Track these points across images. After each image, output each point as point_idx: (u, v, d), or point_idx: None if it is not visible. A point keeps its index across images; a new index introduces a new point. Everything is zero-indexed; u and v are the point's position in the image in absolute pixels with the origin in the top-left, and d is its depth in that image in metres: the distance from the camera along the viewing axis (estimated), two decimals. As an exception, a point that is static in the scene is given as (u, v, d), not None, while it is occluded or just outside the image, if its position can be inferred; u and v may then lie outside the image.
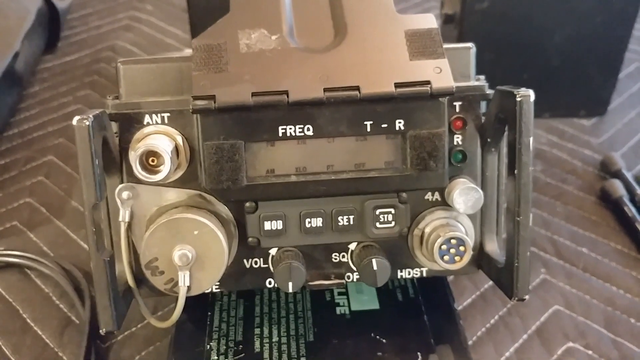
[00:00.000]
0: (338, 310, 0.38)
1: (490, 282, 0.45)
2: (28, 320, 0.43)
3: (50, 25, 0.71)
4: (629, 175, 0.54)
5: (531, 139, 0.30)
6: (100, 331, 0.31)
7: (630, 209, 0.51)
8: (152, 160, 0.31)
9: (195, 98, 0.30)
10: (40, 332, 0.42)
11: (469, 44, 0.34)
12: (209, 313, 0.38)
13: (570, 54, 0.59)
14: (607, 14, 0.57)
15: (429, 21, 0.33)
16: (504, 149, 0.34)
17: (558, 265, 0.47)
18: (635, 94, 0.67)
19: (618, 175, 0.54)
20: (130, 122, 0.32)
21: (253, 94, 0.30)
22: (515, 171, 0.30)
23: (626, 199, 0.51)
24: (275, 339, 0.36)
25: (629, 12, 0.58)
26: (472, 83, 0.34)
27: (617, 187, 0.52)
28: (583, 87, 0.61)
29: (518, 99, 0.30)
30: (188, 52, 0.44)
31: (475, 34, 0.58)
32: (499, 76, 0.59)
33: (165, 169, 0.30)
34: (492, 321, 0.43)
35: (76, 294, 0.44)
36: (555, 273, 0.47)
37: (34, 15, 0.65)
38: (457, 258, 0.32)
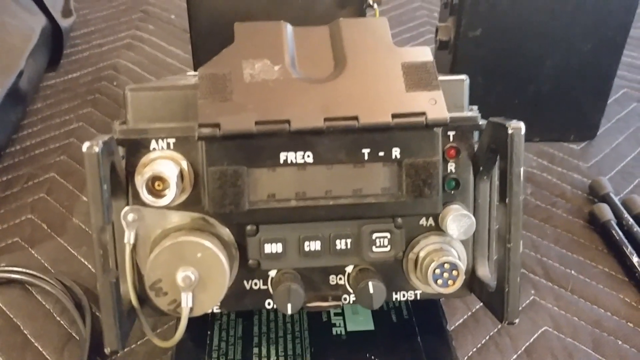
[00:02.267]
0: (334, 330, 0.39)
1: (481, 303, 0.46)
2: (29, 336, 0.44)
3: (53, 44, 0.73)
4: (616, 200, 0.55)
5: (522, 169, 0.31)
6: (105, 350, 0.32)
7: (618, 233, 0.52)
8: (158, 185, 0.32)
9: (201, 125, 0.31)
10: (40, 349, 0.43)
11: (463, 76, 0.35)
12: (209, 332, 0.39)
13: (561, 80, 0.61)
14: (596, 41, 0.59)
15: (425, 54, 0.34)
16: (496, 177, 0.36)
17: (547, 287, 0.49)
18: (623, 119, 0.68)
19: (606, 199, 0.56)
20: (137, 147, 0.33)
21: (256, 123, 0.31)
22: (507, 199, 0.32)
23: (614, 223, 0.53)
24: (273, 358, 0.37)
25: (618, 40, 0.59)
26: (466, 114, 0.35)
27: (605, 211, 0.54)
28: (573, 112, 0.63)
29: (509, 131, 0.31)
30: (191, 74, 0.45)
31: (468, 60, 0.60)
32: (491, 101, 0.62)
33: (170, 194, 0.31)
34: (483, 341, 0.44)
35: (77, 310, 0.45)
36: (545, 295, 0.48)
37: (38, 34, 0.66)
38: (450, 282, 0.34)
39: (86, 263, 0.50)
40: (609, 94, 0.62)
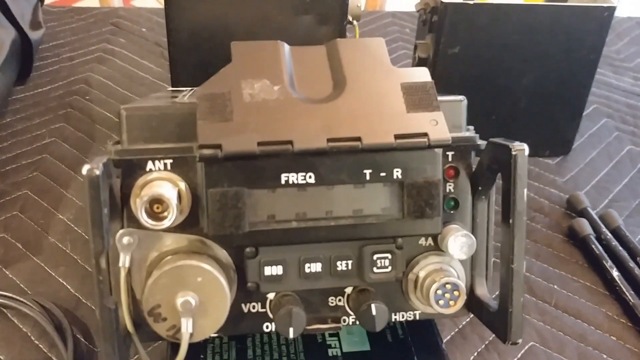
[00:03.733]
0: (330, 352, 0.39)
1: (468, 319, 0.47)
2: (6, 362, 0.42)
3: (22, 57, 0.71)
4: (594, 214, 0.57)
5: (525, 190, 0.32)
6: (104, 378, 0.31)
7: (597, 247, 0.53)
8: (157, 207, 0.31)
9: (202, 147, 0.30)
10: (19, 374, 0.41)
11: (461, 97, 0.36)
12: (202, 356, 0.38)
13: (537, 97, 0.62)
14: (571, 60, 0.60)
15: (424, 75, 0.35)
16: (493, 197, 0.36)
17: (532, 302, 0.49)
18: (595, 134, 0.70)
19: (584, 214, 0.57)
20: (133, 168, 0.32)
21: (259, 143, 0.31)
22: (510, 220, 0.32)
23: (593, 237, 0.54)
24: (269, 381, 0.37)
25: (592, 58, 0.61)
26: (464, 134, 0.35)
27: (584, 226, 0.55)
28: (548, 128, 0.64)
29: (513, 153, 0.31)
30: (182, 91, 0.45)
31: (447, 76, 0.60)
32: (469, 117, 0.62)
33: (171, 216, 0.31)
34: (471, 358, 0.44)
35: (57, 333, 0.43)
36: (530, 310, 0.48)
37: (8, 46, 0.64)
38: (451, 302, 0.34)
39: (65, 283, 0.48)
40: (583, 110, 0.64)
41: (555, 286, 0.51)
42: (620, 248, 0.53)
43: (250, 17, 0.58)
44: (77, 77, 0.74)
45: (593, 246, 0.53)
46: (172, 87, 0.60)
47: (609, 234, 0.54)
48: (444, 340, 0.45)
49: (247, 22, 0.58)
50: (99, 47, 0.81)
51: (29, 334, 0.44)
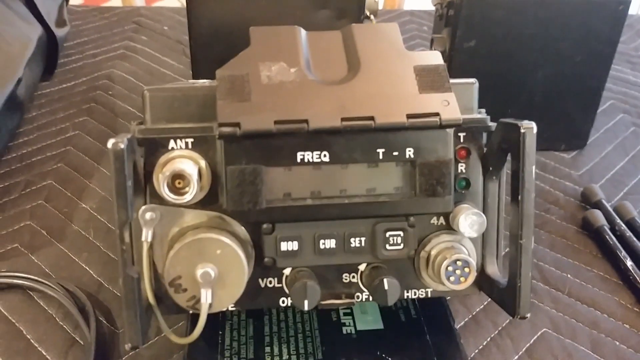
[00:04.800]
0: (344, 329, 0.40)
1: (482, 306, 0.47)
2: (32, 341, 0.44)
3: (48, 53, 0.73)
4: (608, 206, 0.57)
5: (533, 167, 0.33)
6: (126, 346, 0.32)
7: (611, 238, 0.53)
8: (179, 183, 0.32)
9: (221, 125, 0.32)
10: (44, 353, 0.43)
11: (472, 80, 0.37)
12: (220, 332, 0.39)
13: (552, 91, 0.62)
14: (586, 54, 0.61)
15: (436, 58, 0.36)
16: (504, 178, 0.37)
17: (544, 290, 0.50)
18: (611, 129, 0.70)
19: (598, 205, 0.57)
20: (155, 147, 0.34)
21: (275, 122, 0.32)
22: (519, 197, 0.33)
23: (607, 228, 0.54)
24: (285, 356, 0.38)
25: (606, 53, 0.61)
26: (475, 115, 0.36)
27: (598, 217, 0.55)
28: (563, 122, 0.65)
29: (522, 131, 0.32)
30: (203, 82, 0.46)
31: (463, 70, 0.61)
32: (484, 110, 0.63)
33: (192, 191, 0.32)
34: (484, 342, 0.45)
35: (80, 315, 0.45)
36: (542, 298, 0.49)
37: (35, 42, 0.66)
38: (462, 279, 0.34)
39: (87, 269, 0.50)
40: (599, 104, 0.64)
41: (569, 275, 0.51)
42: (635, 239, 0.53)
43: (268, 12, 0.59)
44: (100, 73, 0.76)
45: (607, 236, 0.54)
46: (193, 79, 0.61)
47: (623, 225, 0.55)
48: (458, 326, 0.46)
49: (266, 17, 0.59)
50: (122, 44, 0.83)
51: (54, 315, 0.46)
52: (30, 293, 0.47)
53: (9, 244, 0.52)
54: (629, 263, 0.51)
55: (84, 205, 0.56)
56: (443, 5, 0.61)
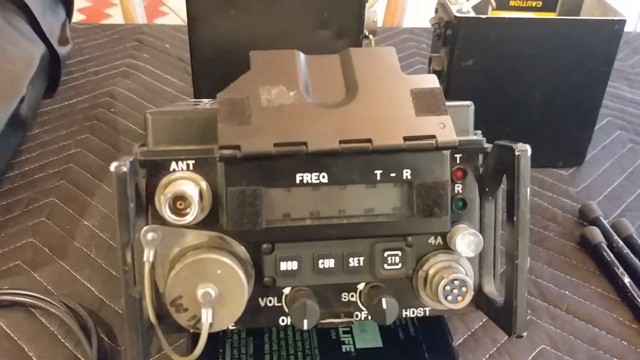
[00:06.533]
0: (344, 348, 0.40)
1: (481, 323, 0.48)
2: (34, 358, 0.44)
3: (50, 71, 0.73)
4: (606, 223, 0.57)
5: (528, 189, 0.33)
6: (128, 365, 0.32)
7: (609, 254, 0.54)
8: (180, 204, 0.33)
9: (222, 147, 0.32)
10: (46, 370, 0.43)
11: (468, 102, 0.37)
12: (221, 350, 0.39)
13: (549, 109, 0.63)
14: (583, 72, 0.61)
15: (432, 81, 0.36)
16: (500, 198, 0.37)
17: (543, 307, 0.50)
18: (608, 146, 0.71)
19: (596, 222, 0.58)
20: (157, 168, 0.34)
21: (275, 144, 0.33)
22: (514, 218, 0.33)
23: (604, 245, 0.55)
24: (285, 374, 0.38)
25: (603, 70, 0.62)
26: (471, 137, 0.37)
27: (596, 234, 0.56)
28: (561, 139, 0.65)
29: (517, 154, 0.33)
30: (203, 102, 0.47)
31: (461, 89, 0.62)
32: (482, 128, 0.63)
33: (193, 212, 0.32)
34: (483, 359, 0.45)
35: (82, 332, 0.45)
36: (541, 314, 0.49)
37: (38, 61, 0.67)
38: (459, 298, 0.35)
39: (89, 286, 0.50)
40: (596, 121, 0.64)
41: (567, 292, 0.52)
42: (632, 256, 0.54)
43: (269, 31, 0.60)
44: (102, 91, 0.77)
45: (604, 253, 0.54)
46: (195, 98, 0.62)
47: (621, 242, 0.55)
48: (457, 343, 0.46)
49: (266, 37, 0.60)
50: (124, 62, 0.83)
51: (56, 333, 0.46)
52: (32, 310, 0.48)
53: (11, 261, 0.52)
54: (627, 280, 0.51)
55: (85, 223, 0.57)
56: (441, 25, 0.62)
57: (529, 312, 0.49)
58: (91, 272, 0.51)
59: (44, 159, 0.65)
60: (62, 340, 0.45)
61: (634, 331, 0.48)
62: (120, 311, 0.48)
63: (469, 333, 0.47)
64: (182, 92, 0.77)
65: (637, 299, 0.50)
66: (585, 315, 0.49)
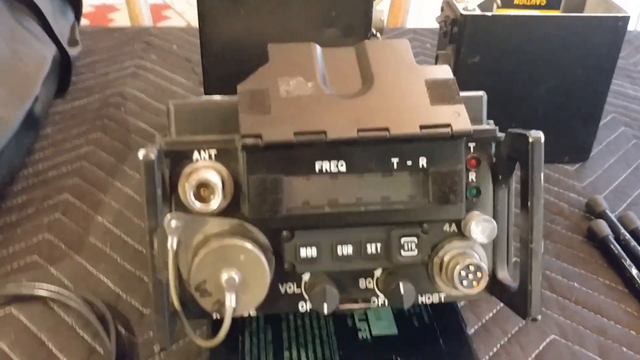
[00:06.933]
0: (360, 335, 0.41)
1: (491, 314, 0.49)
2: (53, 350, 0.45)
3: (61, 71, 0.74)
4: (612, 216, 0.58)
5: (542, 175, 0.34)
6: (155, 347, 0.33)
7: (616, 247, 0.55)
8: (203, 192, 0.34)
9: (244, 136, 0.33)
10: (65, 361, 0.44)
11: (481, 93, 0.38)
12: (240, 337, 0.40)
13: (554, 105, 0.64)
14: (587, 69, 0.62)
15: (446, 72, 0.37)
16: (512, 186, 0.38)
17: (552, 298, 0.51)
18: (613, 142, 0.72)
19: (603, 216, 0.59)
20: (180, 158, 0.35)
21: (295, 133, 0.34)
22: (529, 203, 0.34)
23: (611, 238, 0.56)
24: (303, 360, 0.39)
25: (607, 67, 0.63)
26: (485, 127, 0.38)
27: (603, 227, 0.57)
28: (566, 135, 0.66)
29: (530, 140, 0.34)
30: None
31: (467, 85, 0.62)
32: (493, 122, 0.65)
33: (217, 199, 0.33)
34: (494, 349, 0.46)
35: (100, 323, 0.46)
36: (550, 305, 0.50)
37: (50, 61, 0.68)
38: (474, 283, 0.36)
39: (105, 280, 0.51)
40: (600, 117, 0.65)
41: (575, 284, 0.52)
42: (639, 248, 0.55)
43: (278, 30, 0.61)
44: (112, 91, 0.78)
45: (612, 246, 0.55)
46: (205, 94, 0.63)
47: (628, 235, 0.56)
48: (469, 333, 0.47)
49: (275, 35, 0.61)
50: (132, 63, 0.84)
51: (74, 325, 0.47)
52: (51, 303, 0.48)
53: (28, 256, 0.53)
54: (634, 272, 0.52)
55: (100, 219, 0.57)
56: (447, 23, 0.63)
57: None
58: (107, 267, 0.52)
59: (57, 157, 0.66)
60: (81, 332, 0.46)
61: (642, 321, 0.49)
62: (136, 304, 0.48)
63: (480, 324, 0.48)
64: (190, 91, 0.78)
65: (645, 289, 0.51)
66: (594, 306, 0.50)
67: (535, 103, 0.64)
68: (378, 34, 0.65)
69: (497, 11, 0.66)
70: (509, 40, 0.61)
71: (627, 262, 0.53)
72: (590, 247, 0.57)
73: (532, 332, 0.47)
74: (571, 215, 0.60)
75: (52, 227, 0.56)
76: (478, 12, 0.60)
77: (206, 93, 0.64)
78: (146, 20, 1.08)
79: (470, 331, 0.47)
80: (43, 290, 0.49)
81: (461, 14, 0.60)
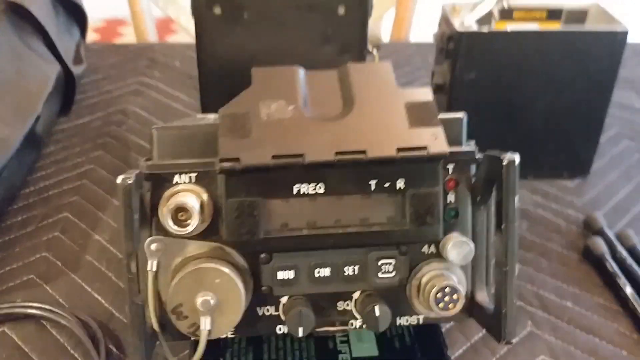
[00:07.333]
0: (340, 357, 0.41)
1: (480, 334, 0.48)
2: (44, 369, 0.45)
3: (65, 90, 0.76)
4: (610, 234, 0.58)
5: (516, 198, 0.34)
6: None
7: (612, 266, 0.54)
8: (182, 215, 0.34)
9: (222, 160, 0.34)
10: (55, 380, 0.44)
11: (461, 114, 0.38)
12: (221, 359, 0.40)
13: (553, 120, 0.63)
14: (587, 83, 0.62)
15: (426, 94, 0.37)
16: (492, 207, 0.38)
17: (544, 318, 0.50)
18: (616, 157, 0.71)
19: (600, 233, 0.58)
20: (161, 181, 0.36)
21: (273, 156, 0.34)
22: (503, 226, 0.34)
23: (608, 256, 0.55)
24: (284, 382, 0.39)
25: (607, 81, 0.62)
26: (464, 148, 0.38)
27: (600, 245, 0.56)
28: (565, 150, 0.66)
29: (504, 163, 0.34)
30: (200, 116, 0.48)
31: (463, 101, 0.63)
32: (485, 140, 0.64)
33: (193, 223, 0.34)
34: (483, 371, 0.46)
35: (91, 343, 0.46)
36: (541, 326, 0.50)
37: (53, 80, 0.69)
38: (450, 305, 0.36)
39: (99, 298, 0.52)
40: (601, 132, 0.64)
41: (569, 303, 0.52)
42: (635, 267, 0.54)
43: (274, 48, 0.61)
44: (114, 109, 0.79)
45: (608, 264, 0.54)
46: (202, 113, 0.64)
47: (625, 252, 0.55)
48: (456, 354, 0.47)
49: (272, 53, 0.62)
50: (136, 80, 0.86)
51: (65, 344, 0.47)
52: (44, 322, 0.49)
53: (25, 275, 0.54)
54: (628, 290, 0.51)
55: (97, 237, 0.58)
56: (443, 39, 0.63)
57: (529, 323, 0.50)
58: (102, 285, 0.53)
59: (58, 175, 0.66)
60: (72, 351, 0.47)
61: (634, 341, 0.48)
62: (126, 321, 0.49)
63: (469, 344, 0.47)
64: (191, 108, 0.79)
65: (638, 309, 0.50)
66: (586, 326, 0.50)
67: (534, 118, 0.63)
68: (375, 50, 0.65)
69: (495, 25, 0.66)
70: (506, 56, 0.60)
71: (622, 281, 0.52)
72: (586, 265, 0.56)
73: (521, 353, 0.47)
74: (568, 233, 0.60)
75: (51, 246, 0.57)
76: (475, 28, 0.60)
77: (203, 111, 0.65)
78: (151, 36, 1.09)
79: (459, 352, 0.47)
80: (36, 309, 0.49)
81: (457, 31, 0.60)
